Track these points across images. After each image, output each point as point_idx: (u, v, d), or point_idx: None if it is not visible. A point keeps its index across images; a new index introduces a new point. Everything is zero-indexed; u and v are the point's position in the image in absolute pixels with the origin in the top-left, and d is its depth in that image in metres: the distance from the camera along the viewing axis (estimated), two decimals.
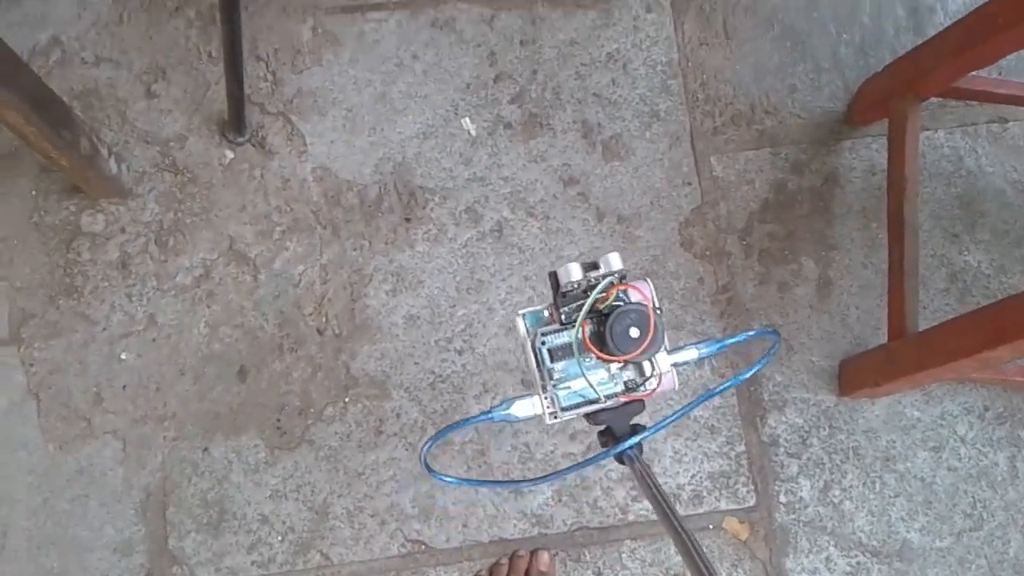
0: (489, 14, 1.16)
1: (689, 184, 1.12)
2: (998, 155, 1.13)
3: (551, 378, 0.52)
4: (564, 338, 0.52)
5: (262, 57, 1.13)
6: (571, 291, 0.52)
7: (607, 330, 0.50)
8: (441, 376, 1.04)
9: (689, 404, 0.54)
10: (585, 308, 0.50)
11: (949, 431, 1.05)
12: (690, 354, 0.54)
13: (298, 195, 1.08)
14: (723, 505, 1.02)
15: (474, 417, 0.53)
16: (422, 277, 1.07)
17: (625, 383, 0.53)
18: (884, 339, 0.98)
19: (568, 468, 0.56)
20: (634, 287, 0.53)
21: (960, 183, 1.12)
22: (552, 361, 0.52)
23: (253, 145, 1.10)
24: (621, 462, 0.54)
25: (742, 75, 1.16)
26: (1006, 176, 1.13)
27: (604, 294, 0.51)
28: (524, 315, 0.54)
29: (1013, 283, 1.09)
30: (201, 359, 1.03)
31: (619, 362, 0.51)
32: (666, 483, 1.02)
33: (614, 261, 0.51)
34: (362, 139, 1.11)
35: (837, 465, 1.04)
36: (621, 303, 0.52)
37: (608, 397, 0.53)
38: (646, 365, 0.52)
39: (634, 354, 0.50)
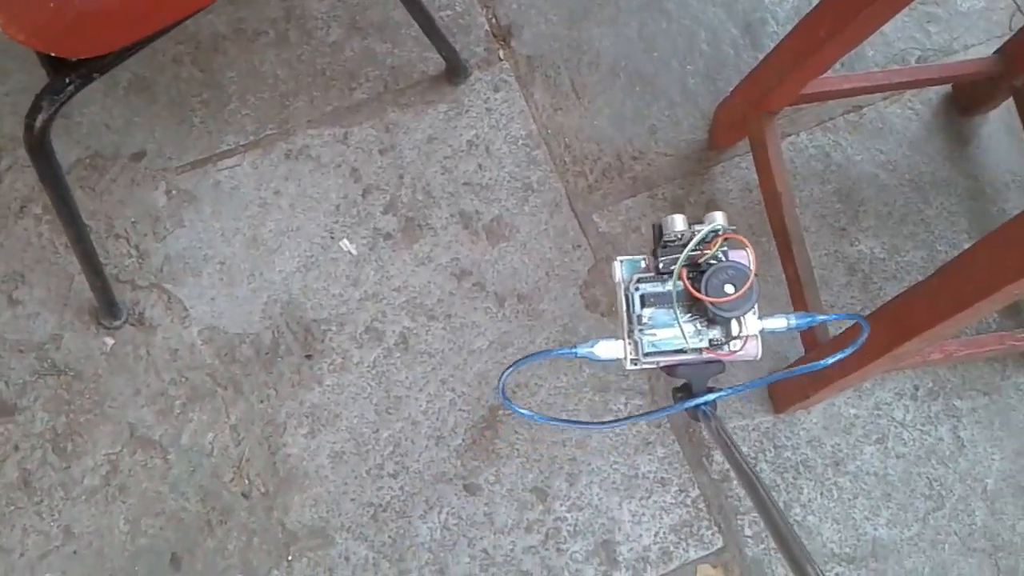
0: (341, 132, 1.18)
1: (579, 247, 1.14)
2: (862, 142, 1.19)
3: (639, 323, 0.54)
4: (658, 287, 0.54)
5: (121, 234, 1.12)
6: (672, 242, 0.53)
7: (703, 282, 0.52)
8: (381, 505, 1.03)
9: (769, 377, 0.60)
10: (687, 250, 0.52)
11: (888, 420, 1.07)
12: (779, 322, 0.55)
13: (190, 362, 1.07)
14: (692, 554, 1.02)
15: (561, 350, 0.55)
16: (338, 410, 1.06)
17: (711, 340, 0.54)
18: (802, 350, 1.01)
19: (642, 415, 0.63)
20: (740, 239, 0.53)
21: (833, 178, 1.17)
22: (643, 307, 0.53)
23: (131, 324, 1.09)
24: (695, 418, 0.55)
25: (602, 129, 1.19)
26: (874, 160, 1.18)
27: (706, 246, 0.53)
28: (622, 261, 0.56)
29: (908, 259, 1.14)
30: (129, 559, 1.00)
31: (712, 303, 0.52)
32: (631, 548, 1.02)
33: (720, 218, 0.53)
34: (243, 288, 1.11)
35: (791, 483, 1.05)
36: (719, 260, 0.53)
37: (692, 351, 0.54)
38: (734, 324, 0.53)
39: (726, 300, 0.51)
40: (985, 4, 1.27)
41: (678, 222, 0.53)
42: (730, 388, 0.56)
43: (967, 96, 1.16)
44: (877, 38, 1.24)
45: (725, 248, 0.54)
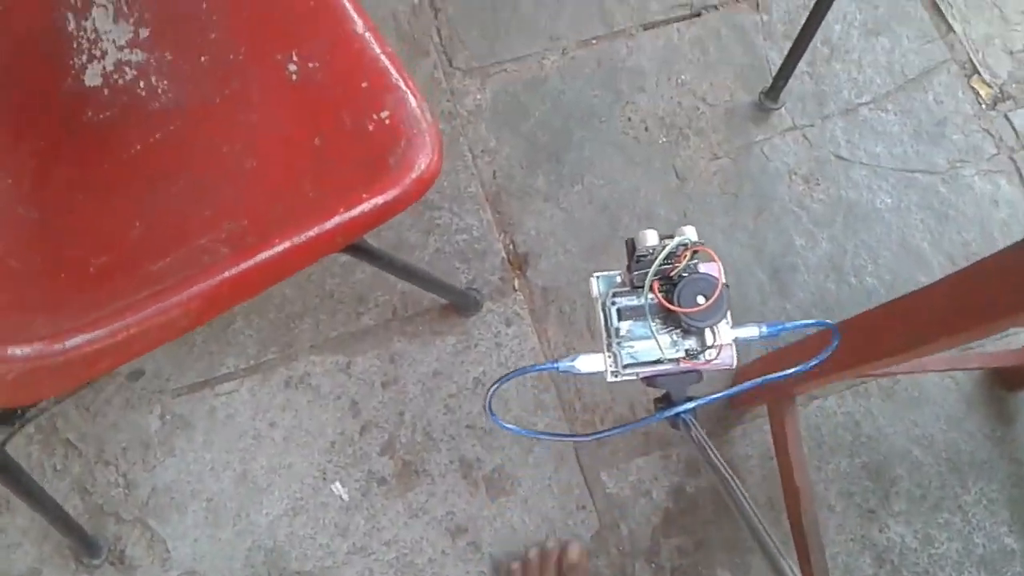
0: (344, 361, 1.17)
1: (583, 508, 1.11)
2: (895, 412, 1.14)
3: (617, 336, 0.57)
4: (633, 300, 0.57)
5: (111, 460, 1.13)
6: (645, 257, 0.56)
7: (675, 294, 0.56)
8: None
9: (749, 384, 0.61)
10: (656, 263, 0.55)
11: None
12: (751, 331, 0.59)
13: None
14: None
15: (542, 365, 0.58)
16: None
17: (687, 350, 0.58)
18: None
19: (626, 425, 0.61)
20: (708, 252, 0.56)
21: (863, 451, 1.13)
22: (620, 320, 0.57)
23: (111, 563, 1.08)
24: (675, 427, 0.59)
25: None
26: (908, 434, 1.14)
27: (676, 260, 0.56)
28: (598, 278, 0.59)
29: (942, 552, 1.08)
30: None
31: (684, 313, 0.55)
32: None
33: (689, 232, 0.56)
34: (227, 531, 1.10)
35: None
36: (690, 273, 0.57)
37: (669, 361, 0.57)
38: (708, 334, 0.57)
39: (698, 310, 0.55)
40: None
41: (649, 237, 0.56)
42: (708, 396, 0.59)
43: (1012, 372, 1.12)
44: None
45: (695, 261, 0.57)
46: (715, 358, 0.58)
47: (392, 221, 1.21)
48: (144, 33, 0.73)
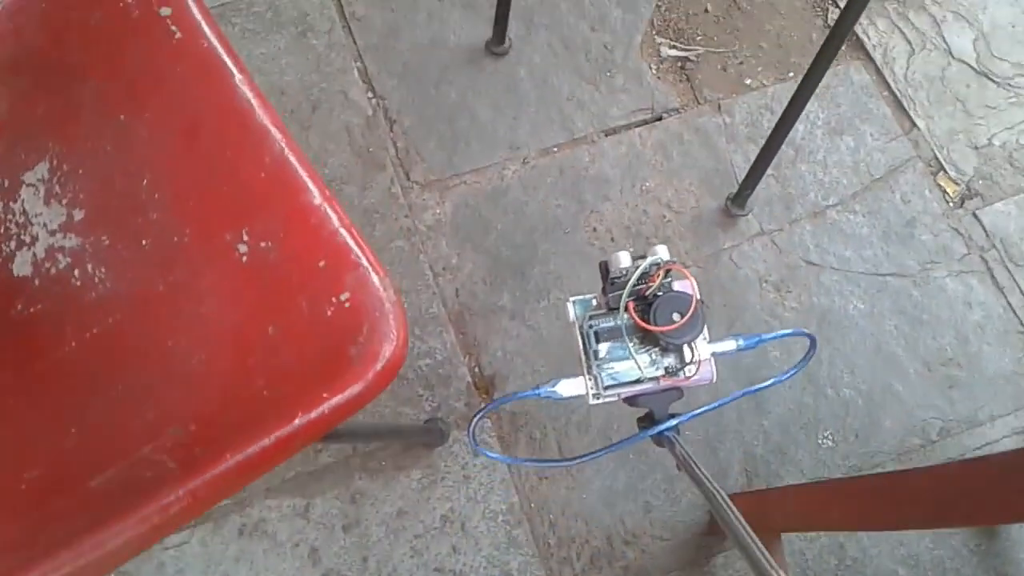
0: (302, 504, 1.12)
1: None
2: (880, 533, 1.12)
3: (596, 358, 0.58)
4: (610, 322, 0.58)
5: None
6: (619, 278, 0.58)
7: (651, 313, 0.56)
8: None
9: (729, 397, 0.61)
10: (630, 283, 0.56)
11: None
12: (728, 345, 0.60)
13: None
14: None
15: (523, 392, 0.60)
16: None
17: (666, 368, 0.58)
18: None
19: (610, 447, 0.60)
20: (681, 270, 0.58)
21: (849, 575, 1.10)
22: (598, 342, 0.58)
23: None
24: (660, 445, 0.59)
25: (591, 504, 1.13)
26: (893, 554, 1.11)
27: (650, 279, 0.57)
28: (574, 302, 0.61)
29: None
30: None
31: (661, 332, 0.56)
32: None
33: (661, 251, 0.57)
34: None
35: None
36: (664, 291, 0.57)
37: (649, 380, 0.58)
38: (686, 350, 0.58)
39: (674, 328, 0.56)
40: (1013, 367, 1.22)
41: (623, 259, 0.57)
42: (688, 413, 0.59)
43: None
44: (895, 405, 1.19)
45: (669, 280, 0.58)
46: (695, 374, 0.59)
47: None
48: (78, 215, 0.69)
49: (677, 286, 0.59)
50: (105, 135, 0.71)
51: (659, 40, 1.39)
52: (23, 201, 0.69)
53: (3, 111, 0.72)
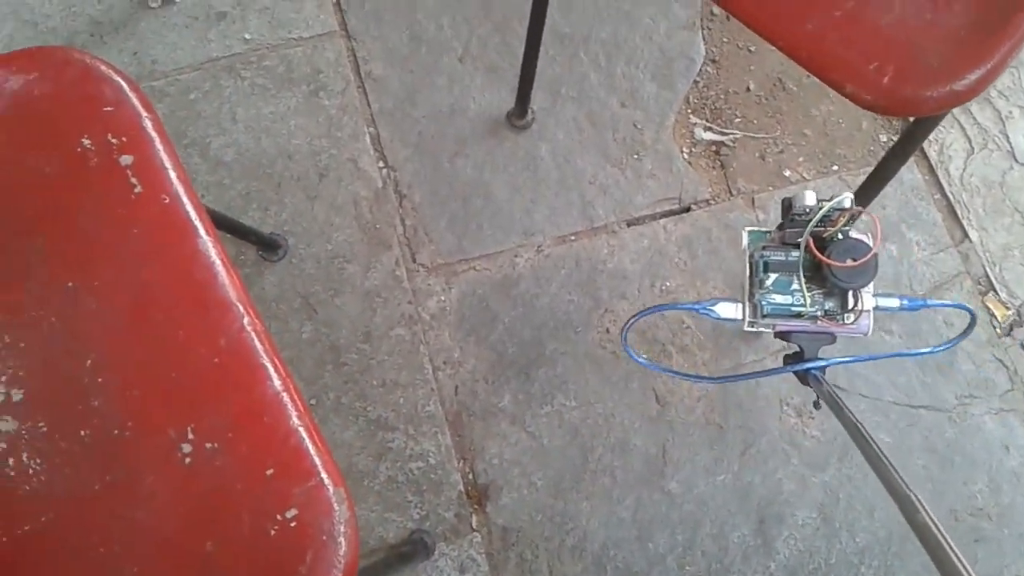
0: None
1: None
2: None
3: (761, 287, 0.60)
4: (782, 255, 0.60)
5: None
6: (801, 216, 0.59)
7: (827, 253, 0.58)
8: None
9: (884, 354, 0.68)
10: (813, 221, 0.57)
11: None
12: (892, 302, 0.61)
13: None
14: None
15: (683, 304, 0.62)
16: None
17: (827, 310, 0.60)
18: None
19: (756, 373, 0.64)
20: (872, 216, 0.59)
21: None
22: (766, 272, 0.59)
23: None
24: (805, 383, 0.61)
25: None
26: None
27: (831, 222, 0.58)
28: (749, 231, 0.63)
29: None
30: None
31: (837, 267, 0.57)
32: None
33: (847, 200, 0.58)
34: None
35: None
36: (843, 237, 0.59)
37: (808, 318, 0.59)
38: (850, 297, 0.59)
39: (848, 267, 0.57)
40: None
41: (808, 197, 0.59)
42: (846, 357, 0.62)
43: None
44: (915, 556, 1.11)
45: (848, 227, 0.59)
46: (852, 322, 0.60)
47: (340, 442, 1.11)
48: (17, 395, 0.63)
49: (855, 234, 0.60)
50: (52, 304, 0.64)
51: (694, 120, 1.29)
52: None
53: None
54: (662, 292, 1.20)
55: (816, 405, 0.63)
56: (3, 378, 0.63)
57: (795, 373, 0.62)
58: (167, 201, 0.67)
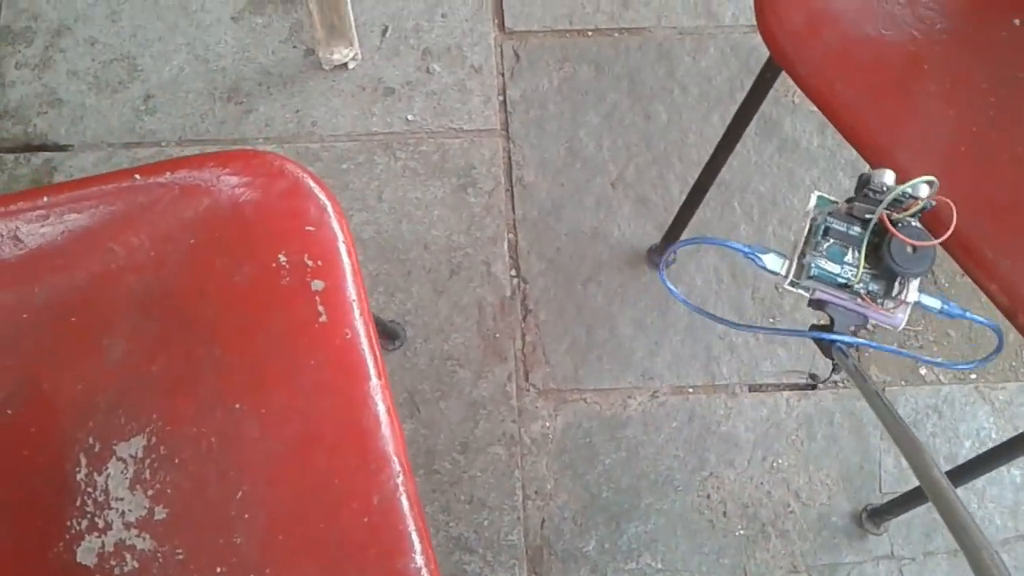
0: None
1: None
2: None
3: (815, 249, 0.60)
4: (844, 226, 0.61)
5: None
6: (876, 193, 0.59)
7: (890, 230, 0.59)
8: None
9: (907, 352, 0.78)
10: (889, 198, 0.58)
11: None
12: (935, 302, 0.61)
13: None
14: None
15: (732, 243, 0.62)
16: None
17: (870, 291, 0.60)
18: None
19: (788, 330, 0.73)
20: (948, 202, 0.60)
21: None
22: (824, 236, 0.60)
23: None
24: (827, 355, 0.61)
25: None
26: None
27: (903, 207, 0.59)
28: (819, 196, 0.63)
29: None
30: None
31: (903, 242, 0.58)
32: None
33: (924, 190, 0.58)
34: None
35: None
36: (908, 225, 0.59)
37: (850, 293, 0.60)
38: (896, 285, 0.60)
39: (920, 244, 0.58)
40: None
41: (888, 176, 0.59)
42: (874, 342, 0.64)
43: None
44: None
45: (918, 216, 0.59)
46: (890, 310, 0.60)
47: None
48: (160, 514, 0.62)
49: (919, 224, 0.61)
50: (215, 422, 0.64)
51: None
52: (108, 476, 0.62)
53: (118, 354, 0.65)
54: (772, 469, 1.17)
55: (834, 371, 0.65)
56: (151, 491, 0.62)
57: (818, 343, 0.62)
58: (349, 336, 0.66)
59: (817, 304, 0.62)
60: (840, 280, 0.60)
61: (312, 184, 0.70)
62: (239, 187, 0.69)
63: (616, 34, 1.37)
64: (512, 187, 1.27)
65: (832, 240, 0.61)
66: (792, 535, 1.14)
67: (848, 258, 0.61)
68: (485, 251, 1.23)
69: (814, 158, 1.32)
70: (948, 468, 0.98)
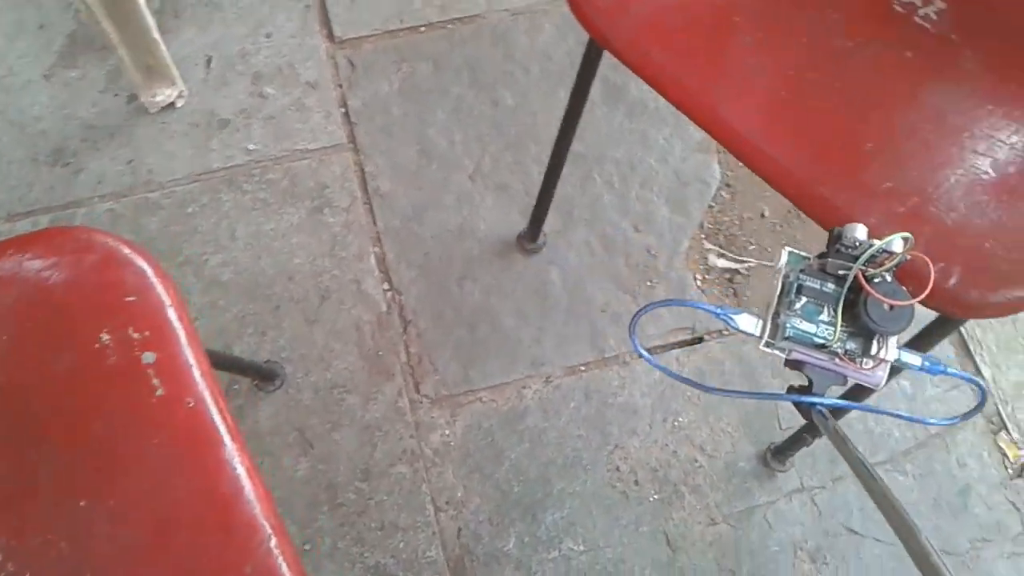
0: None
1: None
2: None
3: (789, 309, 0.59)
4: (817, 283, 0.60)
5: None
6: (848, 248, 0.59)
7: (867, 289, 0.58)
8: None
9: (888, 411, 0.64)
10: (865, 255, 0.58)
11: None
12: (915, 359, 0.60)
13: None
14: None
15: (706, 304, 0.62)
16: None
17: (847, 350, 0.59)
18: None
19: (757, 393, 0.75)
20: (922, 257, 0.60)
21: None
22: (797, 295, 0.59)
23: None
24: (808, 418, 0.61)
25: None
26: None
27: (875, 263, 0.58)
28: (789, 252, 0.62)
29: None
30: None
31: (877, 300, 0.57)
32: None
33: (897, 244, 0.57)
34: None
35: None
36: (883, 280, 0.59)
37: (827, 353, 0.59)
38: (875, 343, 0.59)
39: (885, 313, 0.57)
40: None
41: (859, 231, 0.59)
42: (852, 403, 0.62)
43: None
44: None
45: (893, 271, 0.59)
46: (869, 369, 0.60)
47: None
48: None
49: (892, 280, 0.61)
50: (61, 526, 0.60)
51: (708, 246, 1.28)
52: None
53: None
54: (674, 428, 1.18)
55: (807, 435, 0.66)
56: None
57: (798, 406, 0.61)
58: (192, 404, 0.63)
59: (794, 364, 0.61)
60: (817, 340, 0.59)
61: (126, 251, 0.67)
62: (45, 270, 0.65)
63: (449, 25, 1.35)
64: (369, 199, 1.24)
65: (806, 298, 0.60)
66: (704, 489, 1.16)
67: (823, 316, 0.60)
68: (353, 270, 1.20)
69: (663, 117, 1.33)
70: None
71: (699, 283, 1.26)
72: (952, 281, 0.68)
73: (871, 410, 0.67)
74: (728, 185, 1.31)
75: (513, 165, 1.27)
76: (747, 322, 0.61)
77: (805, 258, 0.62)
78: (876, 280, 0.58)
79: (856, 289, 0.59)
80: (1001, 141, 0.77)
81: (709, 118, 0.76)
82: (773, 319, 0.61)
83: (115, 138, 1.22)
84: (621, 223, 1.27)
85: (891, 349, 0.59)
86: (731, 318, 0.61)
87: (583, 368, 1.20)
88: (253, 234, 1.19)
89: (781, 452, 1.16)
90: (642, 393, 1.20)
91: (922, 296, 0.58)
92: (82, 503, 0.60)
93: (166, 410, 0.63)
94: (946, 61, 0.79)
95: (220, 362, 1.05)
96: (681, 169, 1.30)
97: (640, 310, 0.62)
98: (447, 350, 1.19)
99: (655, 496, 1.16)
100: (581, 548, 1.12)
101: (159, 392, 0.63)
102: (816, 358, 0.60)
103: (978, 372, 1.26)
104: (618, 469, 1.16)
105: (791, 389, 0.62)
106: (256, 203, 1.21)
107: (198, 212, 1.20)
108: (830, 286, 0.60)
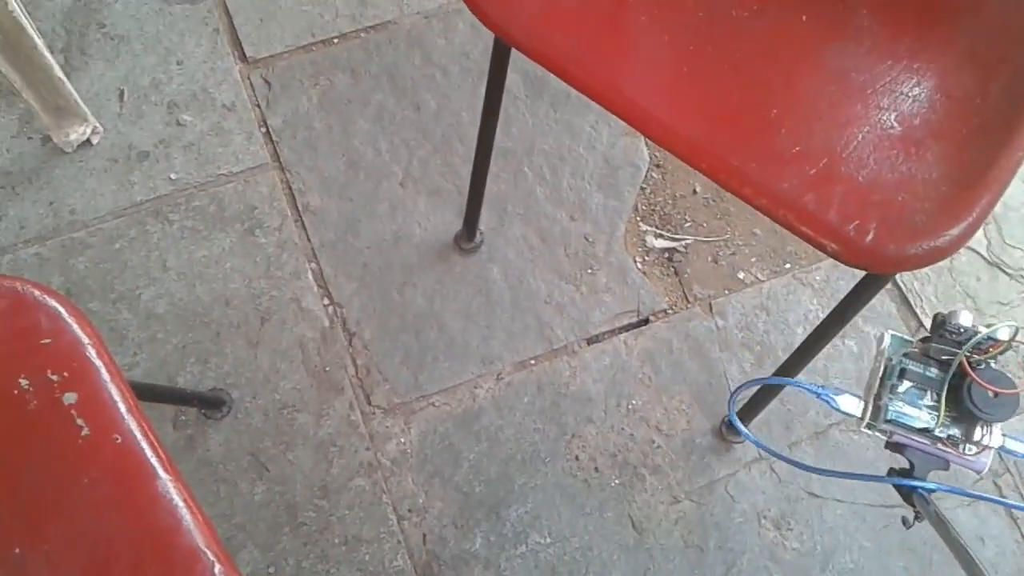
0: None
1: None
2: None
3: (891, 392, 0.60)
4: (920, 368, 0.60)
5: None
6: (952, 334, 0.59)
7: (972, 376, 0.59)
8: None
9: (1003, 500, 0.69)
10: (971, 342, 0.58)
11: None
12: (1020, 447, 0.61)
13: None
14: None
15: (807, 384, 0.64)
16: None
17: (950, 435, 0.60)
18: None
19: (862, 475, 0.64)
20: None
21: None
22: (900, 379, 0.60)
23: None
24: (908, 501, 0.60)
25: None
26: None
27: (979, 351, 0.59)
28: (892, 335, 0.62)
29: None
30: None
31: (984, 389, 0.58)
32: None
33: (1003, 333, 0.58)
34: None
35: None
36: (988, 367, 0.59)
37: (929, 437, 0.59)
38: (978, 430, 0.59)
39: (991, 396, 0.58)
40: None
41: (964, 317, 0.60)
42: (960, 489, 0.62)
43: None
44: None
45: (997, 358, 0.59)
46: (972, 455, 0.60)
47: None
48: None
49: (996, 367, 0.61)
50: None
51: (644, 228, 1.29)
52: None
53: None
54: (628, 411, 1.19)
55: (906, 523, 0.63)
56: None
57: (898, 488, 0.62)
58: (119, 441, 0.63)
59: (895, 447, 0.62)
60: (919, 424, 0.60)
61: (36, 293, 0.66)
62: None
63: (363, 34, 1.35)
64: (301, 216, 1.23)
65: (909, 382, 0.60)
66: (664, 468, 1.17)
67: (926, 400, 0.60)
68: (291, 288, 1.20)
69: (587, 104, 1.33)
70: (786, 357, 1.03)
71: (639, 265, 1.27)
72: (869, 238, 0.69)
73: (982, 497, 0.67)
74: (658, 166, 1.32)
75: (442, 167, 1.27)
76: (849, 403, 0.62)
77: (908, 341, 0.63)
78: (980, 367, 0.59)
79: (959, 374, 0.59)
80: (904, 94, 0.79)
81: (616, 101, 0.77)
82: (875, 401, 0.61)
83: (33, 182, 1.20)
84: (556, 214, 1.28)
85: (996, 435, 0.60)
86: (832, 399, 0.62)
87: (533, 361, 1.21)
88: (185, 263, 1.18)
89: (734, 425, 1.18)
90: (594, 380, 1.21)
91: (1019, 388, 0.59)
92: (16, 551, 0.59)
93: (93, 449, 0.62)
94: (842, 21, 0.81)
95: (162, 395, 1.04)
96: (610, 154, 1.31)
97: (736, 389, 0.68)
98: (395, 358, 1.18)
99: (616, 481, 1.17)
100: (548, 540, 1.13)
101: (84, 432, 0.62)
102: (918, 442, 0.60)
103: (920, 325, 1.28)
104: (577, 458, 1.17)
105: (892, 471, 0.63)
106: (185, 232, 1.20)
107: (126, 247, 1.18)
108: (933, 371, 0.61)
